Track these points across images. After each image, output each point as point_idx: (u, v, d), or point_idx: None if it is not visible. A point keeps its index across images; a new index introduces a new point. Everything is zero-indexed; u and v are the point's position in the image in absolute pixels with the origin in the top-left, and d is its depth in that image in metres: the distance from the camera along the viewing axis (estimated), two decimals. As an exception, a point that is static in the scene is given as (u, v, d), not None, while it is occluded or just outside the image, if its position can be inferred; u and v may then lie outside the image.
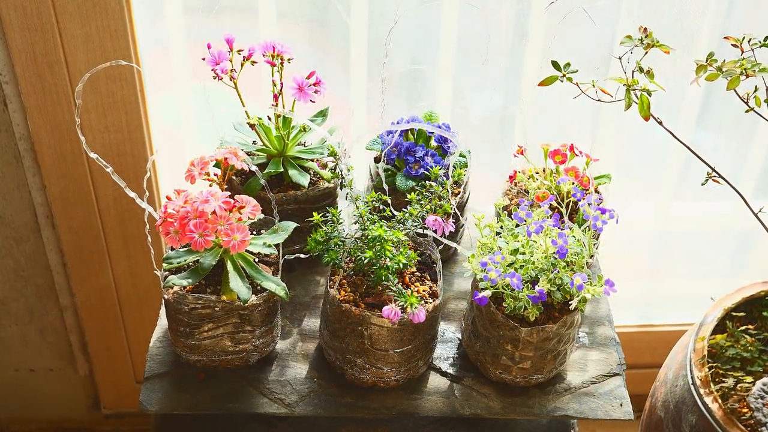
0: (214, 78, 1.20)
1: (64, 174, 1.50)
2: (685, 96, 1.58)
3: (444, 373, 1.20)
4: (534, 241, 1.11)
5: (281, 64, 1.21)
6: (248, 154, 1.26)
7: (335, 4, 1.43)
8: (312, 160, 1.28)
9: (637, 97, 1.05)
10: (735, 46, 1.05)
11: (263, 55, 1.21)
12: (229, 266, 1.10)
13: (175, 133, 1.58)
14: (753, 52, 1.04)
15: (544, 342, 1.11)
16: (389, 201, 1.17)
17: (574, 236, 1.12)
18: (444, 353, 1.22)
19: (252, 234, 1.15)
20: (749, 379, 1.14)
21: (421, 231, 1.16)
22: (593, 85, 1.08)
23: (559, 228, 1.12)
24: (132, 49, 1.38)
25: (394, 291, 1.09)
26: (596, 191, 1.27)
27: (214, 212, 1.05)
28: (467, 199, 1.31)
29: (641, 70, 1.06)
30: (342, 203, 1.24)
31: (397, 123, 1.28)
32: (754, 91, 1.05)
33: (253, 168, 1.16)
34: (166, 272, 1.14)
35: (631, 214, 1.70)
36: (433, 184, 1.17)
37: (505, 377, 1.15)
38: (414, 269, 1.17)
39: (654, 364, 1.62)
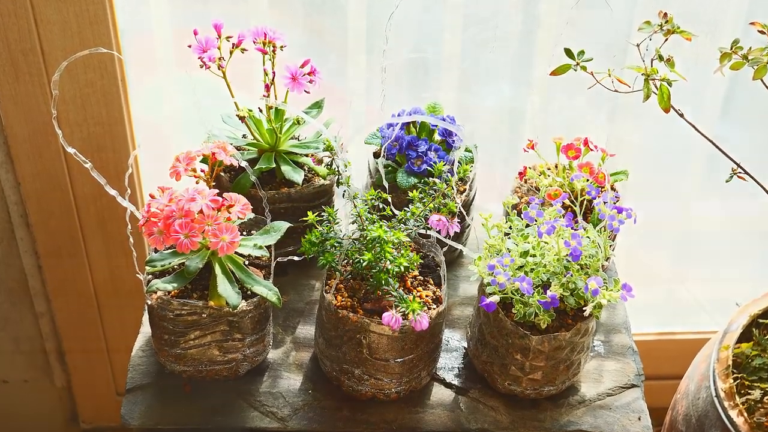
0: (201, 67, 1.20)
1: (39, 170, 1.50)
2: (708, 86, 1.58)
3: (448, 385, 1.20)
4: (545, 243, 1.11)
5: (273, 51, 1.21)
6: (238, 148, 1.26)
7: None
8: (306, 155, 1.28)
9: (656, 87, 1.05)
10: (762, 32, 1.05)
11: (254, 42, 1.21)
12: (217, 269, 1.10)
13: (158, 127, 1.58)
14: (781, 39, 1.04)
15: (556, 351, 1.11)
16: (389, 199, 1.17)
17: (588, 237, 1.12)
18: (448, 363, 1.22)
19: (242, 235, 1.15)
20: (777, 391, 1.14)
21: (423, 231, 1.16)
22: (609, 75, 1.08)
23: (572, 228, 1.12)
24: (113, 36, 1.38)
25: (394, 296, 1.08)
26: (612, 189, 1.27)
27: (200, 211, 1.05)
28: (473, 198, 1.31)
29: (661, 58, 1.06)
30: (339, 202, 1.24)
31: (398, 115, 1.28)
32: (783, 81, 1.05)
33: (243, 164, 1.16)
34: (150, 276, 1.14)
35: (649, 214, 1.70)
36: (437, 181, 1.17)
37: (514, 389, 1.15)
38: (416, 273, 1.17)
39: (674, 375, 1.62)
